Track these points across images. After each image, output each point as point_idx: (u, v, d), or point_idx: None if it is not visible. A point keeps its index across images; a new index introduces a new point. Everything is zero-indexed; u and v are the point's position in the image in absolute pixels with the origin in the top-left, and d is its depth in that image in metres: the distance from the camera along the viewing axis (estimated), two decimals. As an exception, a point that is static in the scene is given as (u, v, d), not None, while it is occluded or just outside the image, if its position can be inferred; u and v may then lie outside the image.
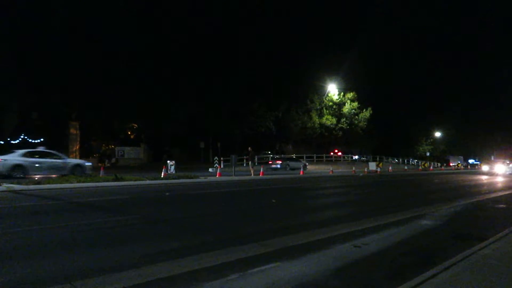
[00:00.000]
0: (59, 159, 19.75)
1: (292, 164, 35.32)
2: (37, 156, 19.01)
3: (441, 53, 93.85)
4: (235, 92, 42.60)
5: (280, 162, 35.14)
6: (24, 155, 18.39)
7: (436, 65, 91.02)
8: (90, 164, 21.65)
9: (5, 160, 17.43)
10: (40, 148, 21.22)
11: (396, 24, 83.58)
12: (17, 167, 17.61)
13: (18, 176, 17.09)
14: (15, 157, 17.93)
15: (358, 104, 51.48)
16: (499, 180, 26.09)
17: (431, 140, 73.97)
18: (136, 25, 42.66)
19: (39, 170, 18.66)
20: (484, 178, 28.71)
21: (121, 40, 41.25)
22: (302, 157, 45.55)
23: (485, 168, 39.72)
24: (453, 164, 73.84)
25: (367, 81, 52.62)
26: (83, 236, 6.07)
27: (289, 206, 10.83)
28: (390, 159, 58.51)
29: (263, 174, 25.41)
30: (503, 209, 10.59)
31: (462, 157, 78.75)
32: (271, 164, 35.46)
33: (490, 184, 22.11)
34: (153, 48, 42.03)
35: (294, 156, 43.91)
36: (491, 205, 11.37)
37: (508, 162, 38.98)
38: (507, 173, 34.84)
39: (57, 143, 38.75)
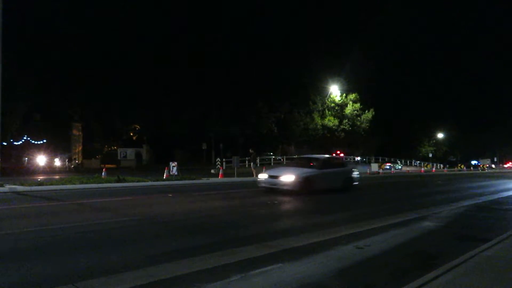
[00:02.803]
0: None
1: (395, 166, 49.05)
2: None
3: (442, 54, 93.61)
4: (237, 93, 42.65)
5: (389, 164, 50.11)
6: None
7: (437, 66, 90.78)
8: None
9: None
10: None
11: (398, 25, 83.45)
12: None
13: None
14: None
15: (360, 105, 51.39)
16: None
17: (434, 141, 73.76)
18: (138, 26, 42.76)
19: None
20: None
21: (123, 41, 41.38)
22: None
23: (288, 177, 13.22)
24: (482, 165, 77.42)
25: (369, 82, 52.56)
26: (86, 237, 6.08)
27: (291, 207, 10.81)
28: (392, 161, 58.39)
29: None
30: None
31: (490, 159, 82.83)
32: None
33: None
34: (154, 49, 42.14)
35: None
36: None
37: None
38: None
39: (60, 144, 38.84)
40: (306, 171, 13.74)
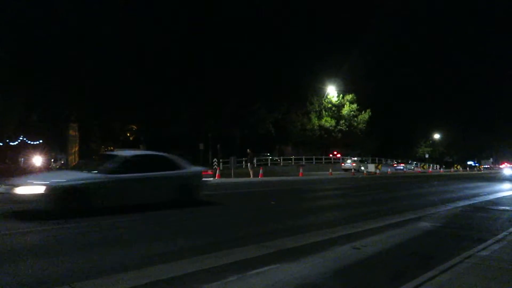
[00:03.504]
0: None
1: (408, 166, 55.77)
2: None
3: (441, 54, 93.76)
4: (235, 94, 42.64)
5: (403, 165, 56.52)
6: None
7: (435, 66, 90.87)
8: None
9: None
10: None
11: (396, 26, 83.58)
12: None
13: None
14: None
15: (357, 106, 51.52)
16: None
17: (430, 142, 74.01)
18: (136, 25, 42.62)
19: None
20: None
21: (121, 41, 41.20)
22: (301, 159, 45.63)
23: (31, 189, 7.74)
24: (485, 166, 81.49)
25: (366, 83, 52.58)
26: (83, 238, 6.07)
27: (288, 208, 10.83)
28: (389, 161, 58.65)
29: (262, 176, 25.40)
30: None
31: (491, 160, 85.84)
32: (395, 166, 54.26)
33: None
34: (152, 48, 41.99)
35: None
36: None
37: None
38: None
39: (56, 145, 38.70)
40: (77, 177, 8.30)
